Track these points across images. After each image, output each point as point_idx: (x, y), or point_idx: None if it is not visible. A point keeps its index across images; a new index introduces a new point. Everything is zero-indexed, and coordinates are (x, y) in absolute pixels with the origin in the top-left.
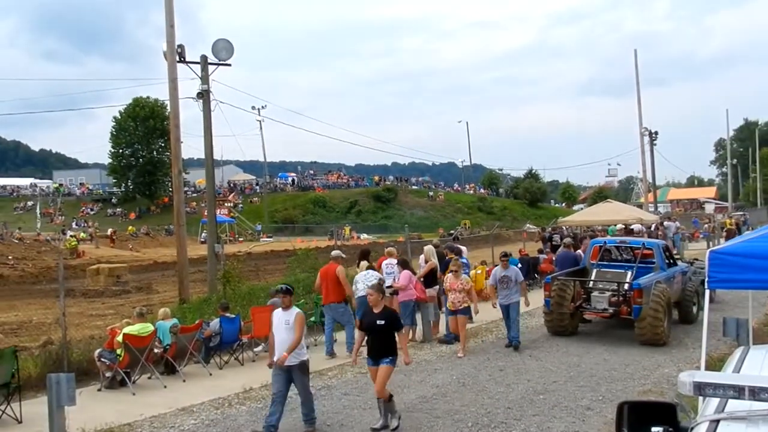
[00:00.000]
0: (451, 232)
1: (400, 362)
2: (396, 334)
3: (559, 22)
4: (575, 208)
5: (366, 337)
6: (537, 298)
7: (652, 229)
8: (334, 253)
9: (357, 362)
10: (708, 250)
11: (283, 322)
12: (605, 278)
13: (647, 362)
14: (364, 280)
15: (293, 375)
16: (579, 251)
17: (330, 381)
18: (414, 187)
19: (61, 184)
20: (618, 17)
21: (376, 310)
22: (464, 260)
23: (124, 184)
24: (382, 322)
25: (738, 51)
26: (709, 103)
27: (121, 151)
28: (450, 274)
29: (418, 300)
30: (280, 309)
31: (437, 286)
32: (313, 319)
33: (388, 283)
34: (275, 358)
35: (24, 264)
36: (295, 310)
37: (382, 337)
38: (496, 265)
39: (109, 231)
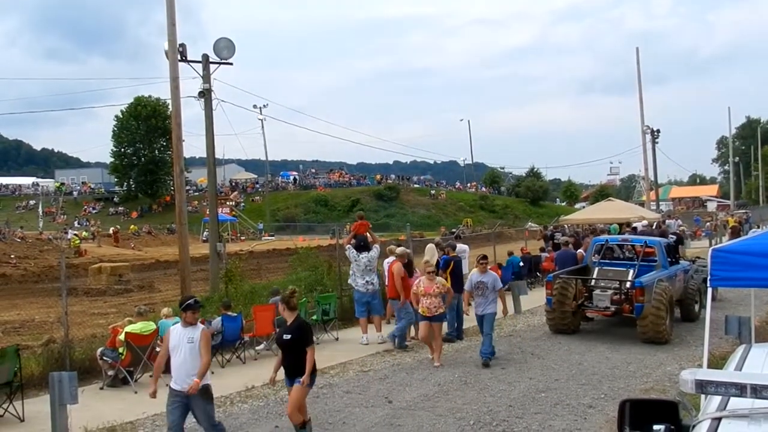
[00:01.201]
0: (453, 230)
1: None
2: (307, 351)
3: (561, 19)
4: (577, 206)
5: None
6: (539, 296)
7: (654, 227)
8: (399, 250)
9: (274, 382)
10: (710, 249)
11: (185, 340)
12: (607, 276)
13: (649, 360)
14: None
15: (193, 403)
16: (580, 250)
17: (332, 379)
18: (416, 185)
19: (63, 183)
20: (620, 14)
21: (288, 323)
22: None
23: (125, 183)
24: (289, 336)
25: (740, 48)
26: (711, 100)
27: (122, 150)
28: (423, 277)
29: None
30: (178, 325)
31: None
32: (315, 317)
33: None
34: (176, 385)
35: (26, 263)
36: (200, 327)
37: (291, 353)
38: (500, 264)
39: (111, 230)
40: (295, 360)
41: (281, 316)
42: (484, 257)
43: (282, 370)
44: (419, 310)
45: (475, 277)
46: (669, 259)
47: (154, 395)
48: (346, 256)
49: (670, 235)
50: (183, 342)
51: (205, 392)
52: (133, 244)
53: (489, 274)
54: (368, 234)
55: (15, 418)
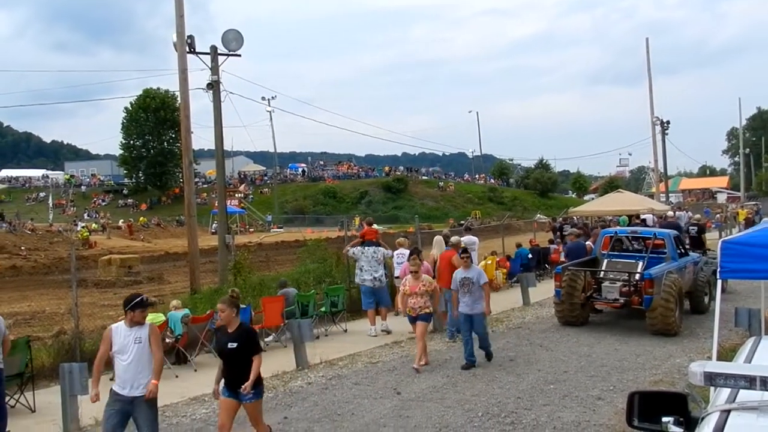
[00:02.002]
0: (462, 222)
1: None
2: (254, 360)
3: (571, 9)
4: (586, 198)
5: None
6: (548, 288)
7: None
8: (454, 239)
9: (218, 395)
10: (720, 240)
11: (132, 340)
12: (616, 268)
13: (658, 352)
14: (369, 267)
15: (137, 409)
16: (588, 242)
17: (341, 371)
18: (424, 177)
19: (72, 176)
20: (631, 4)
21: (229, 330)
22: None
23: (135, 175)
24: (234, 344)
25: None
26: (722, 91)
27: (132, 142)
28: (409, 276)
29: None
30: (121, 324)
31: None
32: (323, 309)
33: (396, 273)
34: (121, 389)
35: (36, 255)
36: (147, 324)
37: (235, 363)
38: (508, 256)
39: (121, 222)
40: (240, 371)
41: (220, 322)
42: (465, 251)
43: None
44: (405, 310)
45: (459, 273)
46: (678, 251)
47: (96, 398)
48: (351, 255)
49: (691, 227)
50: (130, 343)
51: (152, 397)
52: (142, 235)
53: (473, 269)
54: (378, 241)
55: (26, 409)
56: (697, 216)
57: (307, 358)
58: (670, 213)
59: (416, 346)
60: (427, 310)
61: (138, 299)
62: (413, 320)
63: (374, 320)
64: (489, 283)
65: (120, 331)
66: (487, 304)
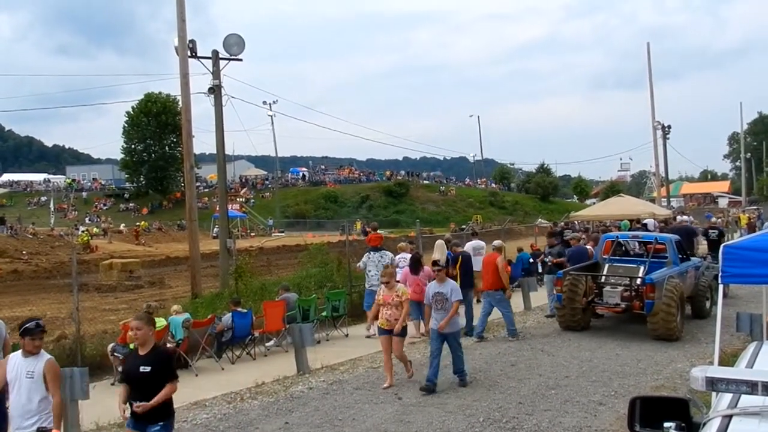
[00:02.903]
0: (463, 227)
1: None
2: (167, 386)
3: (573, 14)
4: (587, 202)
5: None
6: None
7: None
8: (496, 243)
9: (125, 416)
10: (722, 245)
11: (24, 372)
12: (617, 273)
13: (660, 357)
14: (377, 272)
15: None
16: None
17: (342, 376)
18: (425, 181)
19: (74, 180)
20: (633, 9)
21: (141, 352)
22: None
23: (136, 180)
24: (147, 368)
25: (753, 43)
26: (723, 96)
27: (133, 146)
28: (382, 286)
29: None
30: (17, 354)
31: None
32: (325, 314)
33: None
34: (14, 428)
35: (38, 259)
36: (44, 357)
37: (146, 390)
38: (509, 261)
39: (122, 226)
40: (150, 398)
41: (136, 341)
42: (436, 263)
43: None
44: (378, 323)
45: (432, 287)
46: (680, 256)
47: None
48: (361, 267)
49: (710, 230)
50: (21, 375)
51: None
52: (143, 240)
53: (447, 284)
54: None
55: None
56: (716, 219)
57: (308, 363)
58: (685, 217)
59: (402, 363)
60: (404, 323)
61: (28, 324)
62: (385, 333)
63: (372, 321)
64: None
65: (14, 362)
66: (446, 320)
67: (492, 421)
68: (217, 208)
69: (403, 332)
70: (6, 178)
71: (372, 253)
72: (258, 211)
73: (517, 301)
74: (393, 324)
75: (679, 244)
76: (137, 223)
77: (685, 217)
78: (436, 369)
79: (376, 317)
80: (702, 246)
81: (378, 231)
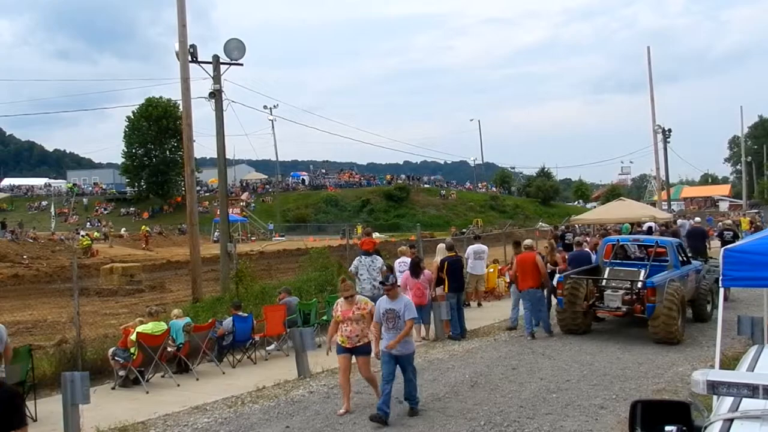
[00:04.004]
0: (463, 230)
1: None
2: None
3: (573, 18)
4: (588, 206)
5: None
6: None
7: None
8: (528, 242)
9: None
10: (722, 248)
11: None
12: (618, 277)
13: (661, 361)
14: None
15: None
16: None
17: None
18: (426, 185)
19: (75, 184)
20: (633, 13)
21: None
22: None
23: (137, 184)
24: None
25: (754, 46)
26: (724, 99)
27: (134, 150)
28: (341, 300)
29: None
30: None
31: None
32: (325, 318)
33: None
34: None
35: (39, 263)
36: None
37: None
38: (509, 265)
39: (122, 230)
40: None
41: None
42: (386, 280)
43: None
44: (338, 340)
45: (383, 303)
46: (681, 259)
47: None
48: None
49: (725, 231)
50: None
51: None
52: (143, 244)
53: (400, 300)
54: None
55: (28, 418)
56: (729, 222)
57: (309, 367)
58: (698, 219)
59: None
60: (366, 340)
61: None
62: (344, 351)
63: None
64: (493, 291)
65: None
66: (397, 339)
67: (493, 425)
68: (218, 213)
69: (368, 349)
70: (7, 183)
71: (364, 257)
72: (259, 215)
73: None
74: (355, 342)
75: (680, 247)
76: (148, 229)
77: (697, 219)
78: (388, 396)
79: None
80: (714, 248)
81: (373, 236)
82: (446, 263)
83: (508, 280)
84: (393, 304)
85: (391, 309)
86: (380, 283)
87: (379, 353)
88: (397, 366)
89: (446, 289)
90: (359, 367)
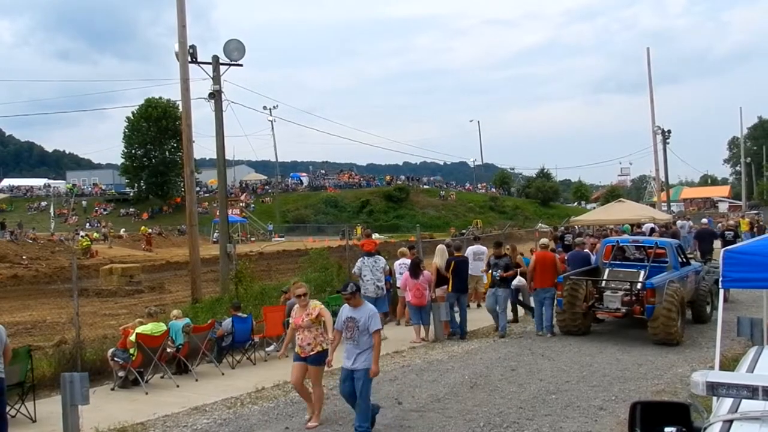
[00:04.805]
0: (462, 231)
1: None
2: None
3: (573, 19)
4: (588, 207)
5: None
6: None
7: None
8: (542, 241)
9: None
10: (722, 249)
11: None
12: (618, 278)
13: (660, 362)
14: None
15: None
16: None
17: None
18: (425, 186)
19: (74, 185)
20: (633, 13)
21: None
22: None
23: (136, 185)
24: None
25: (753, 48)
26: (723, 100)
27: (133, 151)
28: (296, 305)
29: (416, 305)
30: None
31: (444, 286)
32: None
33: (398, 284)
34: None
35: (38, 264)
36: None
37: None
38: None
39: (122, 231)
40: None
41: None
42: (345, 288)
43: None
44: (284, 352)
45: (345, 311)
46: (680, 260)
47: None
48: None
49: (727, 231)
50: None
51: None
52: (144, 245)
53: (364, 308)
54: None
55: (27, 419)
56: (731, 222)
57: None
58: (705, 220)
59: (314, 393)
60: (319, 348)
61: None
62: (298, 359)
63: (287, 347)
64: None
65: None
66: (375, 361)
67: (492, 426)
68: (218, 213)
69: (321, 359)
70: (6, 183)
71: (366, 258)
72: (258, 216)
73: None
74: (308, 351)
75: (679, 248)
76: (149, 230)
77: (704, 220)
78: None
79: (292, 342)
80: (715, 249)
81: (372, 237)
82: (453, 263)
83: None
84: (355, 313)
85: (351, 317)
86: (338, 291)
87: (331, 361)
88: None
89: (450, 288)
90: (309, 377)
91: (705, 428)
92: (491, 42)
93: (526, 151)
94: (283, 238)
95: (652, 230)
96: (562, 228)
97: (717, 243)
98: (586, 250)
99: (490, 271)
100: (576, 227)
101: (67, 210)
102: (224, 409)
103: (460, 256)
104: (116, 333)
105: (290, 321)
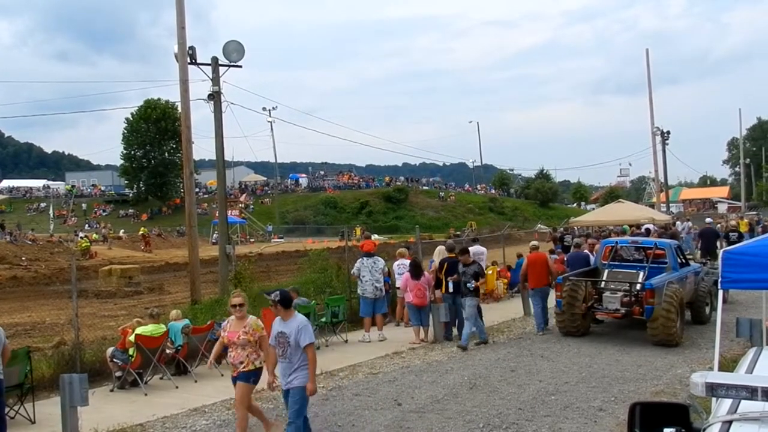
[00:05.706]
0: (458, 233)
1: None
2: None
3: (573, 20)
4: (588, 208)
5: None
6: (549, 298)
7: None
8: (532, 243)
9: None
10: (722, 250)
11: None
12: (617, 278)
13: (660, 363)
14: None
15: None
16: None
17: (341, 381)
18: (425, 187)
19: (73, 186)
20: (633, 15)
21: None
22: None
23: (136, 186)
24: None
25: (753, 49)
26: (723, 101)
27: (133, 152)
28: (232, 318)
29: (417, 305)
30: None
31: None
32: (324, 320)
33: (397, 284)
34: None
35: (37, 265)
36: None
37: None
38: (509, 266)
39: (121, 232)
40: None
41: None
42: (280, 297)
43: None
44: (211, 363)
45: (275, 325)
46: (679, 261)
47: None
48: (355, 273)
49: (731, 233)
50: None
51: None
52: (142, 246)
53: (294, 320)
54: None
55: (26, 420)
56: (734, 223)
57: None
58: (709, 220)
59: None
60: (251, 367)
61: None
62: (234, 380)
63: (369, 328)
64: (492, 293)
65: None
66: (311, 378)
67: (492, 427)
68: (217, 214)
69: (251, 376)
70: (5, 184)
71: (365, 259)
72: (257, 217)
73: (516, 306)
74: (239, 369)
75: (678, 249)
76: (150, 231)
77: (708, 220)
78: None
79: (218, 357)
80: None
81: (372, 238)
82: (446, 264)
83: (506, 282)
84: (285, 327)
85: (281, 332)
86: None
87: (273, 382)
88: None
89: (443, 290)
90: (237, 394)
91: (704, 429)
92: (491, 43)
93: (525, 152)
94: (282, 239)
95: (648, 231)
96: (562, 229)
97: (720, 243)
98: (585, 250)
99: (447, 280)
100: (575, 228)
101: (67, 211)
102: (223, 410)
103: (452, 257)
104: (115, 334)
105: (223, 333)
